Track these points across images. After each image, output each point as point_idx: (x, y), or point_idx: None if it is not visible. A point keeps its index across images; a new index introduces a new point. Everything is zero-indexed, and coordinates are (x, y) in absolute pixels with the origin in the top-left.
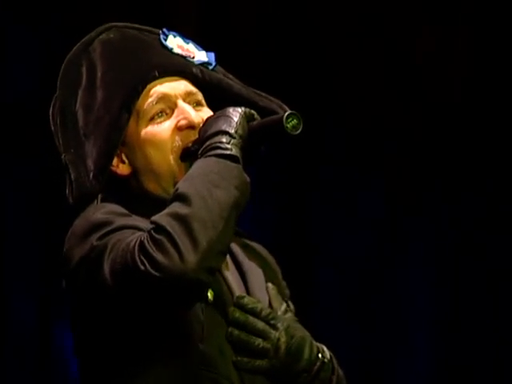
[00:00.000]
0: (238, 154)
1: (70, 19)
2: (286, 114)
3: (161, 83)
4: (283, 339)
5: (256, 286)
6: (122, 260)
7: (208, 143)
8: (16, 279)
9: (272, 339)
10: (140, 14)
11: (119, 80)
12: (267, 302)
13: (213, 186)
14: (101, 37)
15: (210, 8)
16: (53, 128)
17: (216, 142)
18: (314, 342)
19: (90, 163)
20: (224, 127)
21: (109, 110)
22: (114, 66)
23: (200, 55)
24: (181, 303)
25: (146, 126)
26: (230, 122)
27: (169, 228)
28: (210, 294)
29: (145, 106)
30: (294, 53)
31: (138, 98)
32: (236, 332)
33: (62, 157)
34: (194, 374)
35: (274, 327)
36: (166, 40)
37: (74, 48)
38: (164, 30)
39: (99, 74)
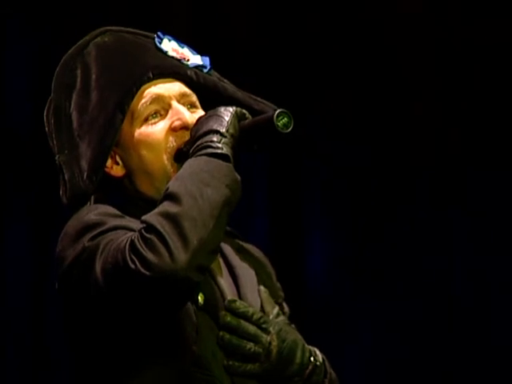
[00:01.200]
0: (229, 153)
1: (65, 24)
2: (277, 112)
3: (155, 84)
4: (275, 343)
5: (248, 289)
6: (112, 259)
7: (199, 142)
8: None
9: (263, 343)
10: (133, 15)
11: (113, 82)
12: (259, 306)
13: (203, 185)
14: (95, 40)
15: (202, 8)
16: (47, 130)
17: (207, 141)
18: (307, 346)
19: (84, 164)
20: (215, 126)
21: (103, 111)
22: (109, 68)
23: (195, 59)
24: (171, 302)
25: (140, 126)
26: (221, 121)
27: (159, 227)
28: (200, 298)
29: (139, 107)
30: (288, 53)
31: (133, 98)
32: (227, 336)
33: (56, 158)
34: (188, 376)
35: (266, 331)
36: (160, 43)
37: (69, 51)
38: (159, 33)
39: (94, 77)
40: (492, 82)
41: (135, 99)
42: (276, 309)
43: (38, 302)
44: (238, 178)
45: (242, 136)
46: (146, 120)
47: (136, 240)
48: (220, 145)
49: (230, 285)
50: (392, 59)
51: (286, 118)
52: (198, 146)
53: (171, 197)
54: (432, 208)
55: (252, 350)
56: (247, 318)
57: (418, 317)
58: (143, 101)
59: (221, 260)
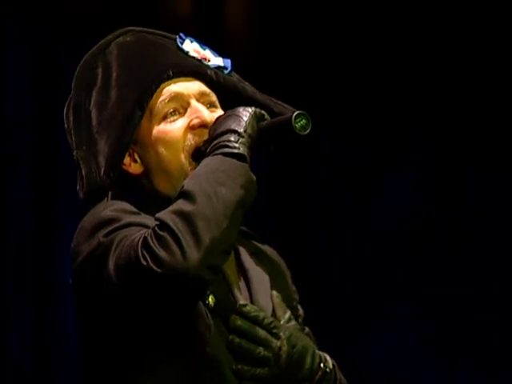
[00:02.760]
0: (246, 153)
1: (65, 24)
2: (295, 114)
3: (175, 82)
4: (285, 348)
5: (260, 293)
6: (125, 256)
7: (216, 142)
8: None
9: (273, 348)
10: (133, 15)
11: (134, 80)
12: (271, 310)
13: (218, 184)
14: (117, 40)
15: (202, 8)
16: (66, 126)
17: (224, 141)
18: (317, 351)
19: (102, 160)
20: (233, 126)
21: (122, 108)
22: (130, 66)
23: (216, 60)
24: (182, 300)
25: (159, 124)
26: (240, 121)
27: (172, 225)
28: (211, 300)
29: (157, 105)
30: (288, 54)
31: (152, 96)
32: (237, 340)
33: (74, 153)
34: (199, 376)
35: (276, 336)
36: (182, 44)
37: (91, 50)
38: (181, 34)
39: (114, 75)
40: (492, 82)
41: (154, 97)
42: (288, 314)
43: (38, 302)
44: (254, 178)
45: (259, 137)
46: (164, 118)
47: (149, 237)
48: (237, 145)
49: (243, 288)
50: (392, 59)
51: (304, 120)
52: (215, 145)
53: (186, 195)
54: (432, 208)
55: (261, 354)
56: (258, 322)
57: (417, 317)
58: (162, 98)
59: (235, 262)
